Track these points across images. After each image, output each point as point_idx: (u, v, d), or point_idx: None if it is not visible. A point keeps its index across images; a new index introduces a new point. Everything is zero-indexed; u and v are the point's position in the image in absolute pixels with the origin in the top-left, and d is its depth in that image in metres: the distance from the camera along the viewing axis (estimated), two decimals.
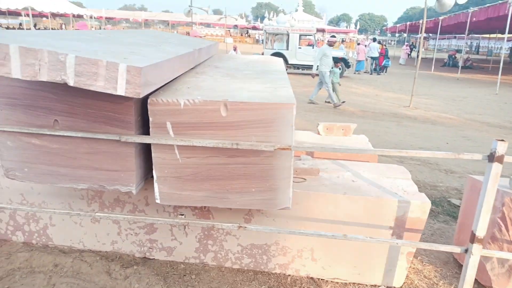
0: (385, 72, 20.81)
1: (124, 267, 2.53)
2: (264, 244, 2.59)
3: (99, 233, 2.65)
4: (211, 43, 3.90)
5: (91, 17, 42.89)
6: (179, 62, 2.26)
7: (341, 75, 17.69)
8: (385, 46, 21.85)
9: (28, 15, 32.24)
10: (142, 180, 2.28)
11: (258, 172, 2.07)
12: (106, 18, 54.74)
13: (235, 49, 19.46)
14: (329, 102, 10.37)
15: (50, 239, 2.72)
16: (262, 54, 16.83)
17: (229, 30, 66.00)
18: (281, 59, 4.00)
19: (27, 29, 32.91)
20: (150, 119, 2.00)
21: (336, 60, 10.89)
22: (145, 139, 2.00)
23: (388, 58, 20.95)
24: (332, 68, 10.06)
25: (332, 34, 22.38)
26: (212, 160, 2.06)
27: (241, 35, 60.63)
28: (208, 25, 63.84)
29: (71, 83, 1.51)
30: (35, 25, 30.08)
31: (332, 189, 2.51)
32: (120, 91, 1.52)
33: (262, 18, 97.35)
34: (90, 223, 2.62)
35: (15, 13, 35.46)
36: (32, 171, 2.15)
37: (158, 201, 2.15)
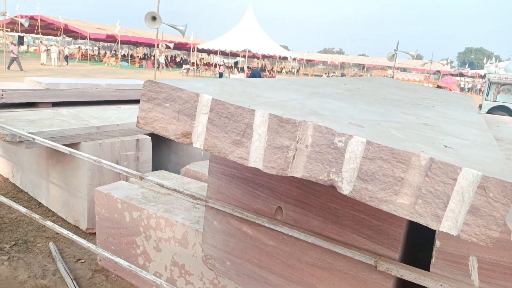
0: None
1: None
2: None
3: None
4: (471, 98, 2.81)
5: (294, 59, 46.61)
6: None
7: None
8: None
9: (244, 56, 37.30)
10: None
11: None
12: (306, 60, 58.74)
13: None
14: None
15: None
16: (480, 106, 14.16)
17: (429, 76, 61.20)
18: None
19: (241, 67, 38.00)
20: (437, 243, 1.11)
21: None
22: (423, 279, 1.11)
23: None
24: None
25: None
26: None
27: None
28: (404, 69, 60.87)
29: (345, 190, 0.76)
30: (248, 67, 34.53)
31: None
32: (450, 228, 0.67)
33: (471, 64, 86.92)
34: None
35: (234, 54, 41.74)
36: (235, 267, 1.55)
37: None
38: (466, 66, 75.66)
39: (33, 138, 2.28)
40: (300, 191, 1.34)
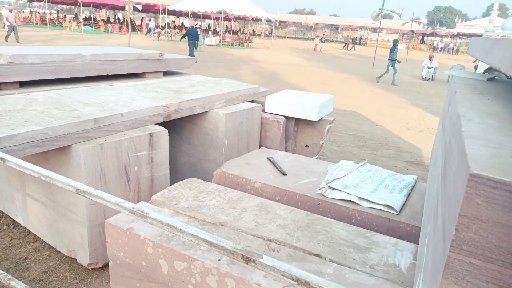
0: None
1: None
2: None
3: None
4: None
5: (268, 21, 44.77)
6: None
7: None
8: None
9: (217, 18, 35.28)
10: None
11: None
12: (279, 21, 56.67)
13: (431, 59, 16.65)
14: None
15: None
16: (476, 67, 13.67)
17: (402, 36, 60.75)
18: None
19: (213, 30, 35.96)
20: None
21: None
22: None
23: None
24: None
25: None
26: None
27: (422, 41, 55.08)
28: (374, 30, 60.06)
29: None
30: (214, 29, 32.63)
31: None
32: None
33: (441, 23, 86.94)
34: None
35: (206, 16, 39.39)
36: None
37: None
38: (437, 25, 75.63)
39: (2, 160, 1.29)
40: None
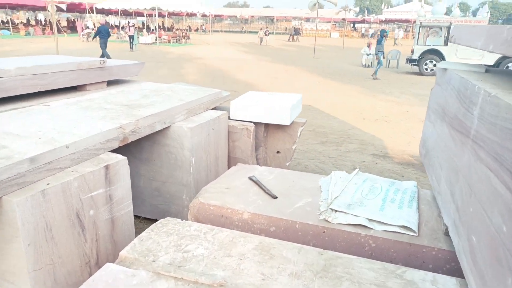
0: None
1: None
2: None
3: None
4: None
5: (204, 15, 43.84)
6: None
7: None
8: None
9: (150, 15, 33.80)
10: None
11: None
12: (215, 16, 55.79)
13: (369, 46, 17.11)
14: None
15: None
16: (412, 51, 14.23)
17: (335, 24, 62.70)
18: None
19: (146, 26, 34.39)
20: None
21: None
22: None
23: None
24: None
25: None
26: None
27: (354, 29, 57.26)
28: (307, 19, 61.37)
29: None
30: (148, 26, 31.23)
31: None
32: None
33: (369, 10, 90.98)
34: None
35: (138, 14, 37.57)
36: None
37: None
38: (366, 13, 79.05)
39: None
40: None
